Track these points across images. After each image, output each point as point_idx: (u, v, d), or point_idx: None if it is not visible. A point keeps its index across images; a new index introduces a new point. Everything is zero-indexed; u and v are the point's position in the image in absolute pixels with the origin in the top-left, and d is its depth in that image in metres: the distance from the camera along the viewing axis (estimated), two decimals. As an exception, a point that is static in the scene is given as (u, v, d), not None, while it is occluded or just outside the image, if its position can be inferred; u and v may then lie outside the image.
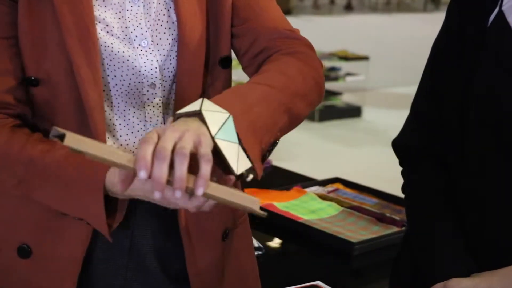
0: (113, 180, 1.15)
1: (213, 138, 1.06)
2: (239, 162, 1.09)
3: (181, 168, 0.99)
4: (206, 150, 1.02)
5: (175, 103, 1.33)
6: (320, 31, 11.45)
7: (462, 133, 1.32)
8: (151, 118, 1.33)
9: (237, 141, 1.09)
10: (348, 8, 15.04)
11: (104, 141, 1.27)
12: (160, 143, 1.00)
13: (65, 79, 1.25)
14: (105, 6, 1.28)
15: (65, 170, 1.20)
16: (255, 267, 1.52)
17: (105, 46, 1.26)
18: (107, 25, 1.27)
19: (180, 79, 1.32)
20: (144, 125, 1.32)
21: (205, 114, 1.07)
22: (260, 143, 1.14)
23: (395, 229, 2.06)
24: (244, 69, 1.39)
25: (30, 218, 1.31)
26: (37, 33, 1.24)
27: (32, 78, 1.25)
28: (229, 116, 1.10)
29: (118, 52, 1.27)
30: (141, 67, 1.29)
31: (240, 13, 1.36)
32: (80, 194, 1.19)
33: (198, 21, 1.33)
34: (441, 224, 1.35)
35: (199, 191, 1.00)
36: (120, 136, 1.31)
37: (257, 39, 1.34)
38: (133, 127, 1.32)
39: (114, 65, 1.27)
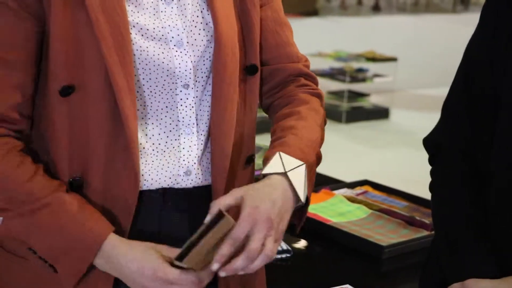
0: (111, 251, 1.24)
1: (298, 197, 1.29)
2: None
3: (243, 266, 1.19)
4: (273, 250, 1.21)
5: (211, 102, 1.34)
6: (348, 32, 11.41)
7: (492, 134, 1.31)
8: (183, 118, 1.33)
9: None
10: (376, 8, 14.97)
11: (136, 147, 1.27)
12: (251, 244, 1.18)
13: (100, 87, 1.25)
14: (138, 12, 1.27)
15: (60, 234, 1.24)
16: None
17: (141, 51, 1.26)
18: (141, 29, 1.27)
19: (216, 79, 1.32)
20: (176, 125, 1.33)
21: (290, 176, 1.27)
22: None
23: (424, 232, 2.04)
24: (260, 96, 1.48)
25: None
26: (71, 41, 1.23)
27: (67, 86, 1.24)
28: (303, 165, 1.30)
29: (154, 55, 1.27)
30: (176, 68, 1.29)
31: (268, 40, 1.43)
32: (68, 253, 1.25)
33: (232, 23, 1.34)
34: (466, 224, 1.34)
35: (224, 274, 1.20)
36: (153, 135, 1.31)
37: (280, 72, 1.45)
38: (165, 127, 1.32)
39: (150, 68, 1.27)
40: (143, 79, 1.28)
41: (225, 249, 1.17)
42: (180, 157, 1.34)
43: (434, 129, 1.46)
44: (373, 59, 7.72)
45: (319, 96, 1.46)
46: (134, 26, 1.26)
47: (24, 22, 1.23)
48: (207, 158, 1.37)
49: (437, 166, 1.45)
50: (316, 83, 1.49)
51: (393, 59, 7.85)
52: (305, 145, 1.33)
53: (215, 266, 1.17)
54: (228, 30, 1.33)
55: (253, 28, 1.37)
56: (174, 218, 1.34)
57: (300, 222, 1.37)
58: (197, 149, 1.35)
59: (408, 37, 10.81)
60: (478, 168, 1.36)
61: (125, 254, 1.23)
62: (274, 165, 1.27)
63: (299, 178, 1.28)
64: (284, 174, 1.27)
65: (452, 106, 1.42)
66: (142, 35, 1.27)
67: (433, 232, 2.02)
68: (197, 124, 1.34)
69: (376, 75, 7.79)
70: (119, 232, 1.27)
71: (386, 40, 9.72)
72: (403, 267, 1.93)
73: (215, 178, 1.36)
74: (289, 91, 1.45)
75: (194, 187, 1.35)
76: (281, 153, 1.29)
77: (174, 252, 1.21)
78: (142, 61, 1.27)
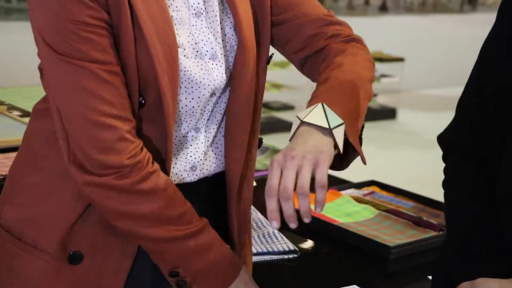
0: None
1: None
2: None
3: (305, 204, 1.13)
4: (321, 177, 1.15)
5: (229, 98, 1.35)
6: (355, 32, 11.40)
7: (504, 135, 1.30)
8: (198, 120, 1.34)
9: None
10: (383, 9, 14.95)
11: (170, 162, 1.31)
12: (282, 182, 1.13)
13: (153, 105, 1.26)
14: (180, 30, 1.27)
15: (211, 256, 1.31)
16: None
17: (185, 71, 1.27)
18: (184, 49, 1.27)
19: (237, 79, 1.33)
20: (188, 126, 1.34)
21: (335, 133, 1.19)
22: (357, 132, 1.27)
23: (432, 233, 2.04)
24: (288, 56, 1.42)
25: (88, 230, 1.32)
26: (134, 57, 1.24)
27: (143, 100, 1.26)
28: (343, 124, 1.21)
29: (196, 73, 1.28)
30: (214, 80, 1.30)
31: (279, 1, 1.37)
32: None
33: (250, 22, 1.34)
34: (476, 223, 1.34)
35: (318, 211, 1.15)
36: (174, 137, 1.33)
37: (302, 27, 1.37)
38: (187, 132, 1.34)
39: (192, 87, 1.28)
40: (186, 98, 1.29)
41: (268, 205, 1.14)
42: (188, 153, 1.35)
43: (448, 127, 1.45)
44: (380, 59, 7.71)
45: (354, 40, 1.40)
46: (179, 47, 1.26)
47: (109, 36, 1.22)
48: (212, 151, 1.39)
49: (451, 164, 1.44)
50: (349, 29, 1.42)
51: (400, 59, 7.84)
52: (345, 98, 1.26)
53: (274, 224, 1.14)
54: (249, 31, 1.33)
55: (267, 17, 1.37)
56: None
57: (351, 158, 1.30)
58: (204, 146, 1.37)
59: (415, 37, 10.79)
60: (488, 168, 1.36)
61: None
62: (317, 115, 1.21)
63: (339, 135, 1.21)
64: (327, 130, 1.20)
65: (465, 104, 1.41)
66: (184, 56, 1.27)
67: (440, 232, 2.03)
68: (206, 125, 1.36)
69: (383, 75, 7.78)
70: None
71: (393, 40, 9.71)
72: (410, 268, 1.93)
73: (229, 166, 1.39)
74: (320, 45, 1.39)
75: (198, 180, 1.38)
76: (324, 104, 1.22)
77: None
78: (186, 80, 1.27)
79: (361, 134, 1.28)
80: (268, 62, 1.39)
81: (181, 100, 1.28)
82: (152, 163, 1.26)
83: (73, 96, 1.20)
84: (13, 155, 2.29)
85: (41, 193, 1.33)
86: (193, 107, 1.30)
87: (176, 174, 1.35)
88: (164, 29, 1.23)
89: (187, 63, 1.27)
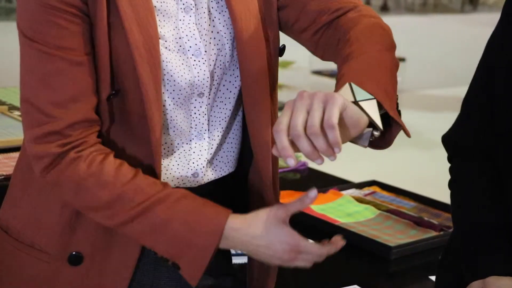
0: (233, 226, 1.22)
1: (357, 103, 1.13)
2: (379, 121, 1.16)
3: (320, 143, 1.06)
4: (329, 116, 1.06)
5: (244, 107, 1.33)
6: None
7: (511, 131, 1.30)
8: (196, 125, 1.33)
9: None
10: (384, 9, 14.94)
11: (159, 156, 1.28)
12: (292, 121, 1.07)
13: (134, 95, 1.25)
14: (164, 21, 1.27)
15: (182, 227, 1.22)
16: None
17: (166, 62, 1.26)
18: (165, 41, 1.26)
19: (245, 79, 1.31)
20: (189, 131, 1.33)
21: (363, 105, 1.12)
22: (395, 105, 1.20)
23: (433, 233, 2.03)
24: (298, 37, 1.37)
25: (85, 227, 1.31)
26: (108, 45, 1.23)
27: (115, 90, 1.25)
28: (373, 99, 1.15)
29: (177, 67, 1.27)
30: (195, 77, 1.29)
31: None
32: (188, 243, 1.22)
33: (252, 16, 1.31)
34: (486, 221, 1.33)
35: (335, 154, 1.08)
36: (166, 140, 1.32)
37: (306, 4, 1.34)
38: (180, 132, 1.33)
39: (174, 80, 1.27)
40: (167, 90, 1.28)
41: (279, 142, 1.07)
42: (190, 160, 1.35)
43: (453, 126, 1.44)
44: (381, 59, 7.70)
45: (361, 10, 1.33)
46: (160, 38, 1.26)
47: (83, 27, 1.22)
48: (217, 159, 1.38)
49: (457, 164, 1.43)
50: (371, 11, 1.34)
51: (402, 60, 7.82)
52: (373, 79, 1.20)
53: (291, 161, 1.06)
54: (248, 23, 1.31)
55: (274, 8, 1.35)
56: None
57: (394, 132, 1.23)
58: (208, 153, 1.36)
59: (416, 38, 10.79)
60: (497, 166, 1.35)
61: (247, 233, 1.22)
62: (344, 94, 1.14)
63: (372, 111, 1.15)
64: (355, 103, 1.13)
65: (472, 103, 1.40)
66: (166, 47, 1.26)
67: (441, 232, 2.03)
68: (208, 130, 1.35)
69: (384, 76, 7.77)
70: None
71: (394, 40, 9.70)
72: (411, 268, 1.92)
73: (257, 166, 1.36)
74: (326, 20, 1.33)
75: (199, 186, 1.37)
76: (352, 84, 1.16)
77: (288, 208, 1.21)
78: (168, 72, 1.26)
79: (397, 106, 1.23)
80: (280, 54, 1.37)
81: (163, 93, 1.27)
82: (84, 151, 1.23)
83: (25, 77, 1.23)
84: (13, 155, 2.30)
85: (36, 192, 1.33)
86: (179, 102, 1.29)
87: (178, 178, 1.34)
88: (145, 18, 1.22)
89: (169, 55, 1.26)
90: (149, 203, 1.21)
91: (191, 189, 1.34)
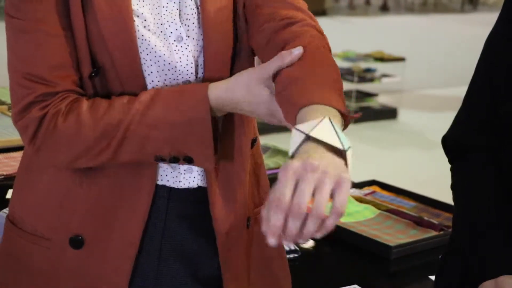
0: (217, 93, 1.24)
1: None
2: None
3: (311, 228, 0.95)
4: (341, 203, 0.95)
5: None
6: (356, 32, 11.39)
7: None
8: None
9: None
10: (384, 8, 14.95)
11: None
12: (296, 196, 0.94)
13: (112, 73, 1.26)
14: (143, 1, 1.28)
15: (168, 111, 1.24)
16: (281, 251, 1.52)
17: (143, 40, 1.27)
18: (145, 20, 1.27)
19: (208, 68, 1.31)
20: None
21: (348, 156, 1.04)
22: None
23: (433, 233, 2.04)
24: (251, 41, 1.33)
25: (83, 209, 1.32)
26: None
27: (95, 68, 1.27)
28: (350, 147, 1.07)
29: (155, 46, 1.28)
30: (177, 62, 1.29)
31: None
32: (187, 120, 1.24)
33: (223, 8, 1.31)
34: (492, 221, 1.32)
35: (317, 236, 0.97)
36: None
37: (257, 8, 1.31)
38: None
39: (151, 59, 1.28)
40: (145, 70, 1.28)
41: (273, 219, 0.95)
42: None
43: (452, 126, 1.43)
44: (381, 59, 7.71)
45: (294, 23, 1.28)
46: (138, 16, 1.27)
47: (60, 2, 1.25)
48: None
49: (460, 164, 1.43)
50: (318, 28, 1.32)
51: (401, 59, 7.83)
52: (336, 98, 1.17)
53: (272, 241, 0.95)
54: (217, 16, 1.30)
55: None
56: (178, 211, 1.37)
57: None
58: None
59: (416, 37, 10.80)
60: (502, 165, 1.35)
61: (232, 100, 1.25)
62: (327, 132, 1.05)
63: (349, 160, 1.06)
64: (340, 152, 1.04)
65: (473, 101, 1.39)
66: (145, 27, 1.27)
67: (441, 232, 2.03)
68: None
69: (384, 75, 7.77)
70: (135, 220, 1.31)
71: (394, 40, 9.72)
72: (411, 268, 1.93)
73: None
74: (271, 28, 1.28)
75: (198, 187, 1.36)
76: (332, 120, 1.07)
77: (269, 67, 1.21)
78: (144, 51, 1.27)
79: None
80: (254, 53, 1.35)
81: (145, 70, 1.27)
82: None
83: (9, 56, 1.27)
84: (13, 155, 2.30)
85: (38, 179, 1.35)
86: (163, 85, 1.29)
87: (173, 177, 1.34)
88: None
89: (147, 34, 1.27)
90: (131, 117, 1.23)
91: (189, 192, 1.35)
